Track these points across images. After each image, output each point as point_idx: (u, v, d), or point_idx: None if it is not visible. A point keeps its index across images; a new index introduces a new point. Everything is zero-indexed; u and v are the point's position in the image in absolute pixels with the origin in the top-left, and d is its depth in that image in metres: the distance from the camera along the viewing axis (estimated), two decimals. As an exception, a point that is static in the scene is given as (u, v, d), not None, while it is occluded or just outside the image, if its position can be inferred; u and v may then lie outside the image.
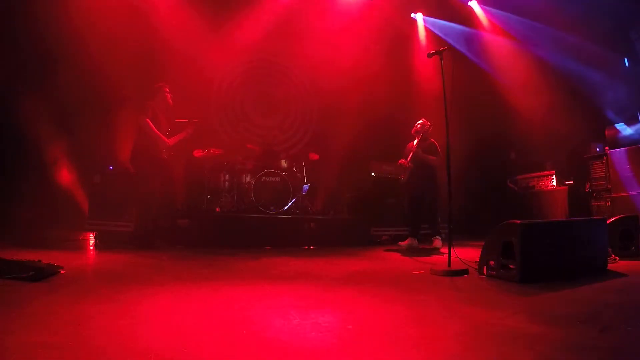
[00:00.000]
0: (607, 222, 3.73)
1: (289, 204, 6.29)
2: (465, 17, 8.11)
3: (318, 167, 7.20)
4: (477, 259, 3.31)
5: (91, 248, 4.76)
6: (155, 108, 4.91)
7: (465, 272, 3.22)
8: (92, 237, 5.23)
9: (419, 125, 5.63)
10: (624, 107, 6.59)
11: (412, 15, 8.44)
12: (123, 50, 5.96)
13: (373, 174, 7.01)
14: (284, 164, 6.79)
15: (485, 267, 3.17)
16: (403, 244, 5.44)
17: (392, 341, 1.67)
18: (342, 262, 4.11)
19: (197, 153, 6.49)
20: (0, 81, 5.24)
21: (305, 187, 6.84)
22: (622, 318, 2.01)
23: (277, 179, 6.30)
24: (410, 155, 5.49)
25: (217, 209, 6.33)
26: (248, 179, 6.51)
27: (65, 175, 6.03)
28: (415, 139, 5.63)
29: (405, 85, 7.96)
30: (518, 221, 2.92)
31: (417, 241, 5.47)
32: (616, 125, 6.38)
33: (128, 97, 5.91)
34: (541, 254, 2.98)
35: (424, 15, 8.43)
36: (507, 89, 7.79)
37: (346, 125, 7.43)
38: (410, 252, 5.10)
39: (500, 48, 7.96)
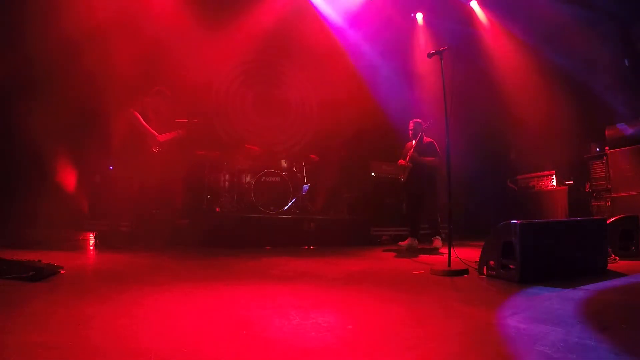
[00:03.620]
0: (607, 222, 3.73)
1: (289, 204, 6.29)
2: (466, 17, 8.11)
3: (318, 167, 7.20)
4: (477, 259, 3.31)
5: (91, 248, 4.76)
6: (147, 105, 4.91)
7: (465, 272, 3.23)
8: (92, 237, 5.23)
9: (412, 125, 5.64)
10: (624, 107, 6.59)
11: (413, 15, 8.44)
12: (122, 50, 5.95)
13: (373, 174, 7.01)
14: (284, 164, 6.79)
15: (485, 267, 3.17)
16: (403, 244, 5.44)
17: (392, 341, 1.67)
18: (342, 262, 4.11)
19: (199, 152, 6.49)
20: (0, 81, 5.24)
21: (305, 187, 6.85)
22: (622, 318, 2.01)
23: (277, 179, 6.30)
24: (408, 155, 5.50)
25: (217, 209, 6.33)
26: (248, 179, 6.51)
27: (66, 175, 6.03)
28: (412, 139, 5.64)
29: (406, 85, 7.96)
30: (518, 221, 2.92)
31: (417, 241, 5.47)
32: (617, 125, 6.37)
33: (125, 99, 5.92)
34: (541, 254, 2.97)
35: (424, 15, 8.43)
36: (507, 89, 7.79)
37: (346, 125, 7.43)
38: (410, 252, 5.10)
39: (501, 48, 7.96)
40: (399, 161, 5.69)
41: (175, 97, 5.26)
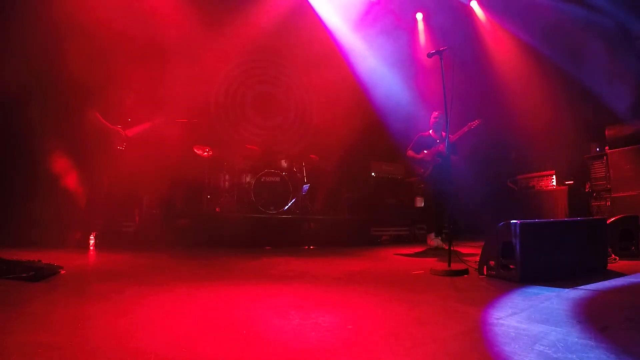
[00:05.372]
0: (607, 222, 3.73)
1: (289, 204, 6.29)
2: (466, 17, 8.11)
3: (318, 167, 7.20)
4: (477, 259, 3.31)
5: (91, 248, 4.76)
6: (112, 100, 4.84)
7: (465, 272, 3.23)
8: (92, 237, 5.22)
9: (438, 115, 5.33)
10: (624, 107, 6.59)
11: (413, 15, 8.44)
12: (122, 50, 5.95)
13: (373, 174, 7.02)
14: (284, 164, 6.79)
15: (485, 267, 3.17)
16: (432, 244, 5.17)
17: (392, 341, 1.67)
18: (342, 262, 4.11)
19: (198, 148, 6.48)
20: (1, 82, 5.24)
21: (305, 187, 6.84)
22: (622, 318, 2.01)
23: (277, 179, 6.30)
24: (437, 149, 5.16)
25: (217, 209, 6.33)
26: (248, 179, 6.52)
27: (66, 175, 6.02)
28: (430, 129, 5.43)
29: (405, 85, 7.96)
30: (518, 221, 2.92)
31: (440, 239, 5.23)
32: (616, 125, 6.37)
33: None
34: (541, 254, 2.97)
35: (424, 15, 8.43)
36: (507, 89, 7.79)
37: (346, 125, 7.43)
38: (435, 251, 4.87)
39: (501, 48, 7.96)
40: (425, 153, 5.27)
41: (174, 90, 5.22)
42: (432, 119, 5.45)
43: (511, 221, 2.97)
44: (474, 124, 5.13)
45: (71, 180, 5.89)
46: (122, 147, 4.85)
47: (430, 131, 5.44)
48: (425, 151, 5.35)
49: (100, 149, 4.73)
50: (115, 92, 4.94)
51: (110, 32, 5.81)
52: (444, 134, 5.16)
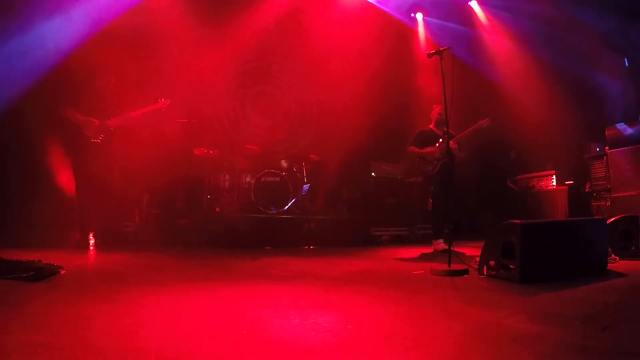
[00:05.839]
0: (607, 222, 3.73)
1: (289, 204, 6.29)
2: (465, 17, 8.10)
3: (318, 167, 7.20)
4: (477, 259, 3.31)
5: (91, 248, 4.76)
6: (92, 92, 4.77)
7: (465, 272, 3.22)
8: (92, 237, 5.22)
9: (439, 109, 5.03)
10: (624, 107, 6.60)
11: (412, 15, 8.44)
12: (120, 49, 5.94)
13: (373, 174, 7.02)
14: (284, 164, 6.79)
15: (485, 267, 3.17)
16: (440, 248, 4.85)
17: (392, 341, 1.67)
18: (342, 262, 4.11)
19: (198, 151, 6.48)
20: (2, 82, 5.23)
21: (305, 187, 6.84)
22: (622, 318, 2.01)
23: (277, 179, 6.30)
24: (447, 145, 4.90)
25: (217, 209, 6.33)
26: (248, 179, 6.52)
27: (66, 175, 6.02)
28: (431, 123, 5.24)
29: (406, 85, 7.95)
30: (518, 221, 2.92)
31: (442, 241, 4.97)
32: (616, 125, 6.38)
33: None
34: (541, 254, 2.97)
35: (424, 15, 8.43)
36: (507, 89, 7.79)
37: (346, 125, 7.42)
38: (443, 254, 4.50)
39: (500, 48, 7.96)
40: (431, 149, 5.03)
41: (174, 90, 5.17)
42: (434, 113, 5.24)
43: (511, 221, 2.97)
44: (484, 122, 4.92)
45: (68, 180, 5.89)
46: (99, 139, 4.69)
47: (431, 125, 5.28)
48: (431, 147, 5.08)
49: (77, 144, 4.64)
50: (98, 82, 4.84)
51: (105, 27, 5.79)
52: (445, 129, 4.68)
